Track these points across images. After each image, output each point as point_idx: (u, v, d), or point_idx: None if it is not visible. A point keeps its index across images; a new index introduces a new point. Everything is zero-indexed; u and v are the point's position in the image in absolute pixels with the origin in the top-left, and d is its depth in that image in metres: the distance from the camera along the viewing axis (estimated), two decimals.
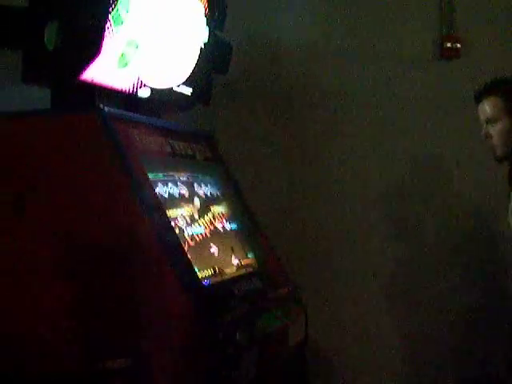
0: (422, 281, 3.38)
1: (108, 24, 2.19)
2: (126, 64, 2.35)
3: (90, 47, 2.19)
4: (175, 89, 2.68)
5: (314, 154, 3.48)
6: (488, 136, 2.53)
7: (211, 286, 2.32)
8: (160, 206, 2.26)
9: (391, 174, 3.44)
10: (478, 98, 2.56)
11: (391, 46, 3.45)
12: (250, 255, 2.76)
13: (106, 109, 2.24)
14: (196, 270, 2.26)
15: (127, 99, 2.56)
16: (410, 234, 3.43)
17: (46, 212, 2.24)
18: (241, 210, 2.84)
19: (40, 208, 2.25)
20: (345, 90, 3.45)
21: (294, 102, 3.49)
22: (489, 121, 2.52)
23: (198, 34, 2.69)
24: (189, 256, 2.26)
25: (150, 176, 2.31)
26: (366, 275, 3.41)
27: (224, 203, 2.80)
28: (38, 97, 2.43)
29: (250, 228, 2.83)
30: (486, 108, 2.52)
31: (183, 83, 2.70)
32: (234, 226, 2.78)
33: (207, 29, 2.74)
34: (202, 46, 2.72)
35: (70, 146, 2.23)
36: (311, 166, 3.47)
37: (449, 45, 3.41)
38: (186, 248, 2.30)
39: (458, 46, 3.41)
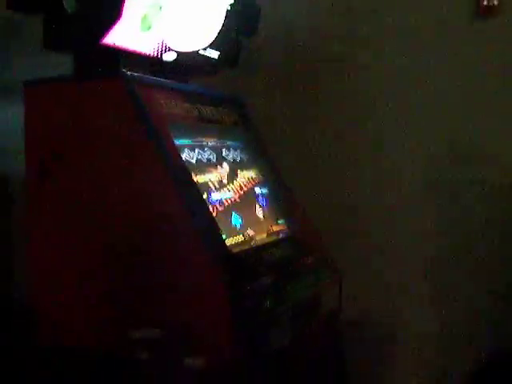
0: (461, 255, 3.28)
1: None
2: (150, 27, 2.29)
3: (111, 10, 2.13)
4: (202, 52, 2.61)
5: (343, 127, 3.38)
6: None
7: (240, 252, 2.28)
8: (186, 171, 2.21)
9: (427, 148, 3.32)
10: None
11: (420, 5, 3.31)
12: (281, 221, 2.70)
13: (130, 73, 2.19)
14: (224, 236, 2.23)
15: (152, 63, 2.50)
16: (448, 210, 3.33)
17: (71, 179, 2.22)
18: (271, 175, 2.78)
19: (65, 175, 2.23)
20: (373, 59, 3.33)
21: (323, 73, 3.39)
22: None
23: None
24: (217, 222, 2.22)
25: (177, 141, 2.27)
26: (404, 247, 3.32)
27: (254, 168, 2.74)
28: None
29: (281, 193, 2.77)
30: None
31: (210, 46, 2.63)
32: (264, 191, 2.72)
33: None
34: (229, 8, 2.65)
35: (94, 112, 2.19)
36: (342, 139, 3.38)
37: (485, 2, 3.28)
38: (214, 214, 2.26)
39: (495, 2, 3.27)
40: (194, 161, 2.36)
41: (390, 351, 3.33)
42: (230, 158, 2.62)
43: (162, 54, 2.42)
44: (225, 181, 2.49)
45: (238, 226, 2.41)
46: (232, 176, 2.56)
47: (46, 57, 2.42)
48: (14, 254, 3.01)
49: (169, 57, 2.46)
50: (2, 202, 3.00)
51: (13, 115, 2.53)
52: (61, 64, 2.38)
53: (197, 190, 2.21)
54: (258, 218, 2.57)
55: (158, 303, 2.10)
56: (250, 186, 2.64)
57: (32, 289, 2.32)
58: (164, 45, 2.41)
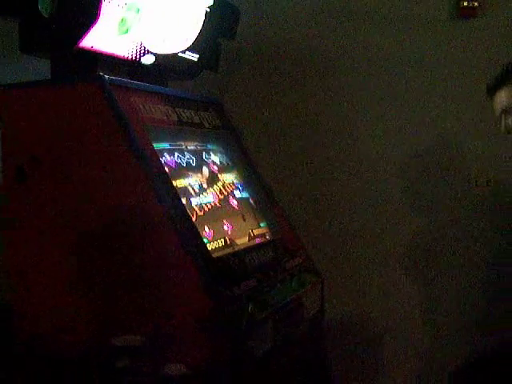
0: (441, 251, 3.28)
1: None
2: (127, 30, 2.27)
3: (87, 13, 2.11)
4: (181, 55, 2.59)
5: (326, 123, 3.35)
6: (509, 129, 2.30)
7: (222, 257, 2.25)
8: (165, 175, 2.19)
9: (407, 144, 3.31)
10: (493, 89, 2.34)
11: (403, 6, 3.30)
12: (262, 225, 2.68)
13: (107, 77, 2.16)
14: (205, 241, 2.20)
15: (131, 67, 2.49)
16: (429, 205, 3.33)
17: (49, 183, 2.20)
18: (252, 179, 2.75)
19: (43, 179, 2.20)
20: (354, 54, 3.31)
21: (305, 68, 3.36)
22: (507, 112, 2.29)
23: None
24: (197, 227, 2.20)
25: (156, 145, 2.24)
26: (384, 245, 3.31)
27: (234, 172, 2.72)
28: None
29: (263, 197, 2.75)
30: (503, 98, 2.30)
31: (189, 49, 2.61)
32: (245, 194, 2.70)
33: None
34: (208, 10, 2.63)
35: (71, 116, 2.16)
36: (325, 134, 3.36)
37: (466, 3, 3.28)
38: (194, 218, 2.24)
39: (476, 4, 3.27)
40: (173, 165, 2.34)
41: (375, 352, 3.32)
42: (210, 161, 2.60)
43: (140, 57, 2.40)
44: (205, 185, 2.47)
45: (219, 231, 2.38)
46: (212, 180, 2.54)
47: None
48: None
49: (147, 60, 2.43)
50: None
51: None
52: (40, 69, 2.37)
53: (176, 195, 2.18)
54: (238, 221, 2.55)
55: (138, 310, 2.08)
56: (230, 189, 2.61)
57: (9, 288, 2.28)
58: (142, 48, 2.39)
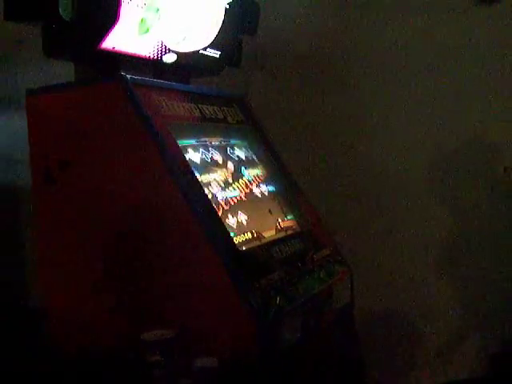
0: (468, 241, 3.26)
1: None
2: (148, 30, 2.30)
3: (108, 14, 2.15)
4: (202, 52, 2.61)
5: (351, 115, 3.35)
6: None
7: (249, 250, 2.27)
8: (190, 171, 2.21)
9: (433, 135, 3.29)
10: None
11: None
12: (289, 217, 2.69)
13: (129, 76, 2.20)
14: (231, 234, 2.22)
15: (154, 66, 2.51)
16: (455, 196, 3.30)
17: (77, 185, 2.24)
18: (278, 172, 2.77)
19: (71, 181, 2.25)
20: (378, 46, 3.31)
21: (328, 62, 3.37)
22: None
23: None
24: (224, 221, 2.22)
25: (180, 142, 2.27)
26: (414, 236, 3.30)
27: (260, 166, 2.74)
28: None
29: (289, 189, 2.76)
30: None
31: (210, 46, 2.63)
32: (271, 188, 2.71)
33: None
34: (227, 7, 2.64)
35: (95, 117, 2.21)
36: (350, 127, 3.36)
37: None
38: (220, 213, 2.26)
39: None
40: (198, 161, 2.37)
41: (406, 342, 3.31)
42: (235, 156, 2.62)
43: (162, 56, 2.43)
44: (230, 180, 2.49)
45: (246, 224, 2.40)
46: (237, 175, 2.56)
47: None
48: (26, 258, 3.04)
49: (169, 58, 2.46)
50: (11, 210, 3.03)
51: (20, 125, 2.54)
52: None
53: (202, 190, 2.21)
54: (265, 214, 2.56)
55: (168, 305, 2.11)
56: (256, 183, 2.63)
57: (42, 291, 2.34)
58: (163, 47, 2.42)
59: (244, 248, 2.26)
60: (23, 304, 2.86)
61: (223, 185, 2.42)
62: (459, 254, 3.27)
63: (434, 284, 3.30)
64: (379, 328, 3.27)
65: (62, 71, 2.43)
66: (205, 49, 2.61)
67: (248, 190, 2.55)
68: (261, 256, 2.28)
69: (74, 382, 2.07)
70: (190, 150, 2.35)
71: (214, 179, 2.39)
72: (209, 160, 2.44)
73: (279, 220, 2.62)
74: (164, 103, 2.31)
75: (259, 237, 2.41)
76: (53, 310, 2.30)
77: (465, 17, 3.21)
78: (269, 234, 2.49)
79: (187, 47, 2.51)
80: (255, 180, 2.64)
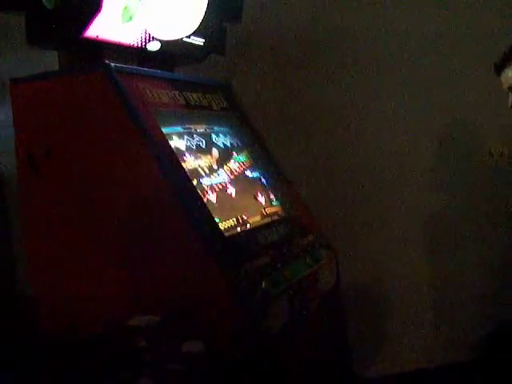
0: (460, 225, 3.29)
1: None
2: (131, 17, 2.31)
3: (91, 3, 2.16)
4: (186, 40, 2.62)
5: (339, 102, 3.35)
6: None
7: (234, 235, 2.29)
8: (175, 158, 2.23)
9: (424, 122, 3.31)
10: (500, 67, 2.37)
11: None
12: (274, 203, 2.71)
13: (113, 65, 2.21)
14: (217, 220, 2.24)
15: (138, 54, 2.53)
16: (447, 180, 3.33)
17: (61, 172, 2.26)
18: (263, 159, 2.79)
19: (55, 169, 2.26)
20: (367, 33, 3.30)
21: (315, 49, 3.37)
22: None
23: None
24: (209, 207, 2.24)
25: (164, 129, 2.29)
26: (399, 219, 3.33)
27: (244, 152, 2.76)
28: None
29: (274, 175, 2.78)
30: (510, 76, 2.34)
31: (194, 34, 2.64)
32: (256, 174, 2.73)
33: None
34: None
35: (80, 105, 2.21)
36: (339, 113, 3.36)
37: None
38: (205, 199, 2.28)
39: None
40: (183, 148, 2.38)
41: (392, 323, 3.34)
42: (219, 143, 2.64)
43: (146, 44, 2.44)
44: (215, 166, 2.50)
45: (231, 210, 2.42)
46: (222, 161, 2.57)
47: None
48: (15, 246, 3.05)
49: (153, 46, 2.47)
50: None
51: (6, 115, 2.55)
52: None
53: (186, 177, 2.23)
54: (250, 200, 2.58)
55: (154, 291, 2.13)
56: (241, 169, 2.65)
57: (31, 279, 2.36)
58: (147, 34, 2.43)
59: (229, 234, 2.28)
60: (12, 292, 2.88)
61: (208, 171, 2.44)
62: (453, 237, 3.29)
63: (425, 267, 3.33)
64: (367, 308, 3.30)
65: (47, 60, 2.45)
66: (189, 36, 2.62)
67: (233, 176, 2.57)
68: (246, 241, 2.31)
69: (62, 367, 2.09)
70: (174, 137, 2.36)
71: (199, 166, 2.41)
72: (193, 147, 2.45)
73: (264, 206, 2.64)
74: (148, 91, 2.32)
75: (244, 222, 2.43)
76: (41, 298, 2.32)
77: (450, 5, 3.22)
78: (254, 220, 2.51)
79: (171, 35, 2.52)
80: (240, 166, 2.66)
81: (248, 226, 2.44)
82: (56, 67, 2.41)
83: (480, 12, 3.19)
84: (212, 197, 2.36)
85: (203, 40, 2.72)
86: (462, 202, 3.29)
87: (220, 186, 2.44)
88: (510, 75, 2.35)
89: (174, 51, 2.61)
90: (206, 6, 2.64)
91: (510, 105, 2.39)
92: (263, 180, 2.75)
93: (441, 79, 3.23)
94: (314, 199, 2.93)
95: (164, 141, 2.23)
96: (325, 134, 3.35)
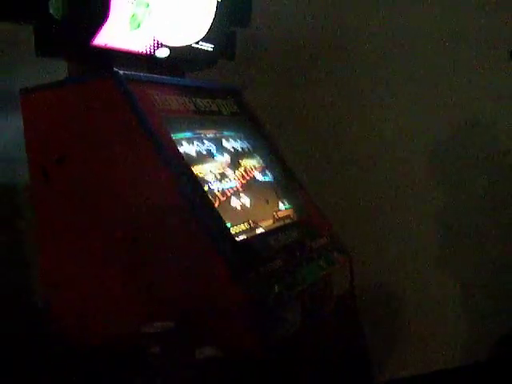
0: (469, 226, 3.27)
1: None
2: (139, 25, 2.32)
3: (98, 11, 2.17)
4: (195, 46, 2.63)
5: (348, 104, 3.36)
6: None
7: (245, 240, 2.29)
8: (185, 164, 2.23)
9: (431, 121, 3.30)
10: None
11: None
12: (286, 206, 2.71)
13: (122, 72, 2.22)
14: (228, 225, 2.24)
15: (148, 61, 2.53)
16: (455, 186, 3.31)
17: (74, 181, 2.27)
18: (274, 163, 2.78)
19: (68, 178, 2.28)
20: (375, 34, 3.32)
21: (324, 58, 3.38)
22: None
23: None
24: (220, 211, 2.24)
25: (174, 135, 2.29)
26: (411, 221, 3.32)
27: (256, 156, 2.75)
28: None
29: (286, 179, 2.77)
30: None
31: (203, 39, 2.65)
32: (267, 178, 2.73)
33: None
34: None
35: (90, 114, 2.22)
36: (348, 115, 3.37)
37: None
38: (216, 204, 2.28)
39: None
40: (193, 153, 2.38)
41: (407, 326, 3.33)
42: (230, 148, 2.63)
43: (154, 51, 2.45)
44: (226, 171, 2.50)
45: (243, 214, 2.42)
46: (233, 165, 2.57)
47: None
48: (30, 254, 3.07)
49: (162, 53, 2.48)
50: (12, 209, 3.05)
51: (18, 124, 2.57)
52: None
53: (197, 182, 2.23)
54: (262, 204, 2.58)
55: (167, 296, 2.13)
56: (252, 174, 2.64)
57: (44, 287, 2.37)
58: (156, 41, 2.43)
59: (241, 238, 2.28)
60: (26, 300, 2.89)
61: (219, 176, 2.43)
62: (461, 241, 3.27)
63: (435, 272, 3.32)
64: (382, 314, 3.29)
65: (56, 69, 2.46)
66: (197, 42, 2.63)
67: (244, 181, 2.56)
68: (258, 245, 2.30)
69: (76, 374, 2.09)
70: (184, 143, 2.36)
71: (210, 171, 2.40)
72: (204, 152, 2.45)
73: (276, 209, 2.63)
74: (158, 97, 2.32)
75: (256, 227, 2.43)
76: (54, 305, 2.33)
77: (454, 6, 3.20)
78: (266, 224, 2.50)
79: (180, 41, 2.53)
80: (251, 170, 2.66)
81: (260, 230, 2.43)
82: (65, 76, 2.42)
83: (489, 12, 3.17)
84: (223, 202, 2.36)
85: (212, 45, 2.72)
86: (476, 201, 3.27)
87: (231, 191, 2.44)
88: None
89: (183, 57, 2.61)
90: (214, 11, 2.64)
91: None
92: (275, 183, 2.75)
93: (450, 79, 3.23)
94: (325, 203, 2.94)
95: (174, 147, 2.24)
96: (334, 137, 3.36)
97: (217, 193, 2.35)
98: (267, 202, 2.61)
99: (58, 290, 2.32)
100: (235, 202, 2.42)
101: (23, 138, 2.35)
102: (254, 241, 2.32)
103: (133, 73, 2.29)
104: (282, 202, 2.71)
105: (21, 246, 3.02)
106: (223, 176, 2.46)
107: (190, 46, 2.60)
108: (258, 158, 2.76)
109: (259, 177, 2.68)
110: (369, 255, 3.18)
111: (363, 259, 2.80)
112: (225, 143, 2.62)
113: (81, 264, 2.26)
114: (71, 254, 2.29)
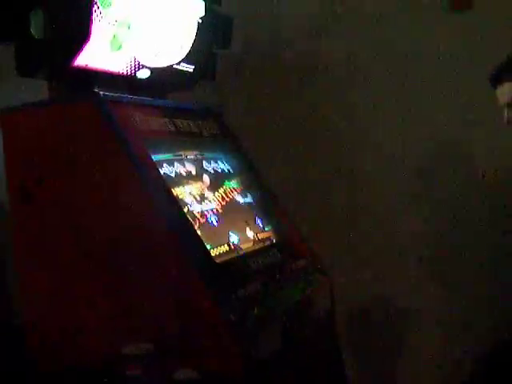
0: (451, 244, 3.29)
1: (95, 7, 2.16)
2: (120, 46, 2.32)
3: (79, 32, 2.17)
4: (176, 67, 2.63)
5: (325, 127, 3.38)
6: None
7: (226, 262, 2.29)
8: (165, 185, 2.23)
9: (413, 139, 3.32)
10: (496, 80, 2.28)
11: None
12: (267, 228, 2.71)
13: (102, 93, 2.22)
14: (208, 247, 2.24)
15: (128, 82, 2.53)
16: (437, 199, 3.33)
17: (52, 202, 2.25)
18: (255, 184, 2.79)
19: (46, 198, 2.26)
20: (352, 54, 3.35)
21: (304, 74, 3.40)
22: (510, 105, 2.26)
23: (193, 8, 2.63)
24: (199, 234, 2.23)
25: (155, 157, 2.29)
26: (394, 238, 3.33)
27: (236, 178, 2.76)
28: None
29: (266, 200, 2.78)
30: (507, 91, 2.25)
31: (184, 61, 2.65)
32: (248, 199, 2.73)
33: (202, 3, 2.67)
34: (200, 21, 2.67)
35: (69, 135, 2.21)
36: (330, 134, 3.39)
37: None
38: (196, 226, 2.28)
39: None
40: (173, 175, 2.38)
41: (389, 349, 3.33)
42: (210, 169, 2.64)
43: (135, 72, 2.45)
44: (206, 192, 2.50)
45: (223, 236, 2.42)
46: (214, 187, 2.57)
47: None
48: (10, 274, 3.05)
49: (143, 74, 2.48)
50: None
51: None
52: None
53: (177, 204, 2.23)
54: (242, 226, 2.58)
55: (146, 319, 2.11)
56: (232, 195, 2.65)
57: (23, 307, 2.35)
58: (137, 62, 2.44)
59: (221, 260, 2.27)
60: (7, 320, 2.86)
61: (199, 198, 2.43)
62: (445, 255, 3.29)
63: (416, 285, 3.33)
64: (362, 333, 3.30)
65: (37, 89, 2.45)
66: (178, 63, 2.64)
67: (224, 203, 2.56)
68: (238, 268, 2.30)
69: None
70: (164, 164, 2.36)
71: (190, 193, 2.40)
72: (184, 174, 2.45)
73: (256, 231, 2.63)
74: (138, 119, 2.32)
75: (236, 249, 2.43)
76: (33, 326, 2.30)
77: (438, 24, 3.23)
78: (246, 246, 2.50)
79: (160, 62, 2.53)
80: (232, 192, 2.66)
81: (240, 252, 2.43)
82: (46, 95, 2.41)
83: (467, 30, 3.21)
84: (203, 224, 2.35)
85: (193, 66, 2.73)
86: (462, 215, 3.28)
87: (211, 213, 2.44)
88: (506, 89, 2.27)
89: (163, 78, 2.62)
90: (195, 32, 2.65)
91: (505, 121, 2.31)
92: (255, 205, 2.75)
93: (449, 96, 3.23)
94: (309, 222, 2.95)
95: (154, 168, 2.24)
96: (322, 158, 3.38)
97: (196, 214, 2.35)
98: (247, 223, 2.61)
99: (37, 310, 2.30)
100: (215, 224, 2.42)
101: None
102: (234, 263, 2.31)
103: (113, 94, 2.30)
104: (262, 224, 2.71)
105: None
106: (203, 198, 2.46)
107: (170, 67, 2.61)
108: (239, 179, 2.76)
109: (239, 198, 2.69)
110: (351, 276, 3.19)
111: (345, 280, 2.81)
112: (205, 165, 2.62)
113: (60, 285, 2.24)
114: (50, 275, 2.26)
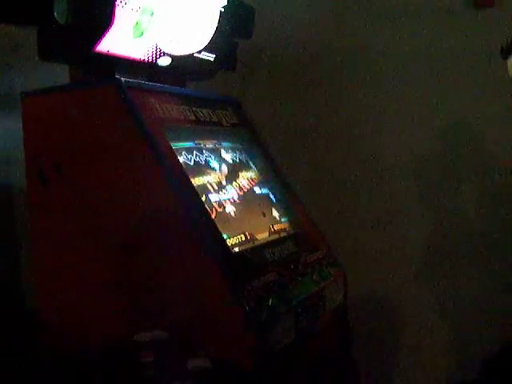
0: (463, 243, 3.28)
1: None
2: (142, 33, 2.32)
3: (102, 18, 2.16)
4: (197, 55, 2.63)
5: (344, 120, 3.37)
6: None
7: (241, 252, 2.29)
8: (184, 174, 2.23)
9: (427, 137, 3.31)
10: (508, 53, 2.32)
11: None
12: (283, 219, 2.71)
13: (123, 79, 2.22)
14: (225, 236, 2.24)
15: (149, 69, 2.53)
16: (450, 197, 3.32)
17: (70, 187, 2.26)
18: (272, 175, 2.79)
19: (65, 183, 2.26)
20: (373, 49, 3.33)
21: (321, 67, 3.39)
22: None
23: None
24: (216, 223, 2.23)
25: (174, 145, 2.29)
26: (406, 237, 3.33)
27: (253, 168, 2.76)
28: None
29: (283, 192, 2.78)
30: None
31: (205, 49, 2.65)
32: (265, 190, 2.73)
33: None
34: (222, 10, 2.66)
35: (90, 120, 2.22)
36: (344, 131, 3.39)
37: None
38: (213, 215, 2.28)
39: None
40: (191, 163, 2.38)
41: (401, 345, 3.33)
42: (229, 159, 2.64)
43: (156, 59, 2.45)
44: (224, 182, 2.50)
45: (239, 226, 2.42)
46: (231, 177, 2.57)
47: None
48: (22, 259, 3.07)
49: (163, 61, 2.48)
50: (7, 211, 3.05)
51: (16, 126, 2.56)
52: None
53: (195, 193, 2.23)
54: (258, 217, 2.58)
55: (161, 306, 2.12)
56: (250, 186, 2.65)
57: (38, 293, 2.35)
58: (158, 50, 2.43)
59: (237, 250, 2.28)
60: (20, 305, 2.88)
61: (217, 187, 2.43)
62: (450, 255, 3.29)
63: (424, 282, 3.33)
64: (373, 326, 3.29)
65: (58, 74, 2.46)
66: (199, 52, 2.63)
67: (242, 193, 2.56)
68: (253, 258, 2.30)
69: (68, 382, 2.08)
70: (183, 152, 2.36)
71: (208, 182, 2.41)
72: (203, 163, 2.46)
73: (272, 222, 2.63)
74: (158, 106, 2.32)
75: (252, 239, 2.43)
76: (48, 312, 2.31)
77: (458, 20, 3.22)
78: (262, 237, 2.50)
79: (182, 50, 2.53)
80: (249, 182, 2.66)
81: (256, 242, 2.43)
82: (66, 81, 2.41)
83: (487, 27, 3.19)
84: (220, 213, 2.36)
85: (214, 55, 2.72)
86: (462, 218, 3.28)
87: (228, 202, 2.44)
88: None
89: (184, 66, 2.61)
90: (216, 21, 2.65)
91: None
92: (272, 196, 2.75)
93: (460, 95, 3.22)
94: (322, 216, 2.94)
95: (173, 156, 2.24)
96: (337, 151, 3.37)
97: (214, 204, 2.35)
98: (264, 214, 2.61)
99: (52, 298, 2.31)
100: (232, 214, 2.42)
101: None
102: (249, 253, 2.31)
103: (134, 80, 2.30)
104: (279, 215, 2.71)
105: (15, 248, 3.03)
106: (221, 187, 2.46)
107: (191, 56, 2.60)
108: (256, 170, 2.76)
109: (256, 189, 2.69)
110: (365, 270, 3.19)
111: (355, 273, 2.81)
112: (224, 154, 2.62)
113: (75, 271, 2.25)
114: (66, 260, 2.27)
